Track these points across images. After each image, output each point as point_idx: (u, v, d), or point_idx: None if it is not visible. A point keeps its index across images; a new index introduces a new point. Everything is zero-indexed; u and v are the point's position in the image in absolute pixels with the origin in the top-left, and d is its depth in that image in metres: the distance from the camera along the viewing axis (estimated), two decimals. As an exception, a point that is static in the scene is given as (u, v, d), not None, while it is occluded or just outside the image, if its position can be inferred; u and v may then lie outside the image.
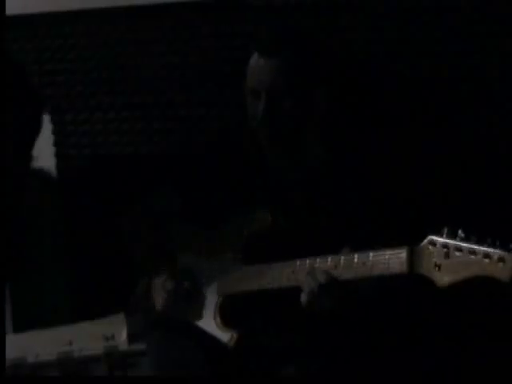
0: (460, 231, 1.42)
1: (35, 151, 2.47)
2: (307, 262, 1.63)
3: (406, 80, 2.19)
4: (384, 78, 2.19)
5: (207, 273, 1.85)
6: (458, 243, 1.40)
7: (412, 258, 1.45)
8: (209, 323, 1.79)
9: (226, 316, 1.79)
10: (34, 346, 1.79)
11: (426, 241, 1.45)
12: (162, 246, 2.02)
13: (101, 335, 1.87)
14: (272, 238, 1.77)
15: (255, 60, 1.82)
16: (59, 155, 2.50)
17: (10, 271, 2.14)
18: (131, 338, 1.85)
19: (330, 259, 1.59)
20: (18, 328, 2.05)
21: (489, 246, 1.37)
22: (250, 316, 1.80)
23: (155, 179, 2.34)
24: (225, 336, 1.75)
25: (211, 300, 1.82)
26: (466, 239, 1.40)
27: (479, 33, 2.14)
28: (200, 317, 1.83)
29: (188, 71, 2.37)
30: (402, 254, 1.47)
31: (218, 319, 1.78)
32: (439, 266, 1.41)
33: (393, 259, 1.49)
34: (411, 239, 1.52)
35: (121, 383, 1.70)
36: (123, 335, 1.86)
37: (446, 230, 1.43)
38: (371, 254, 1.53)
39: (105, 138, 2.46)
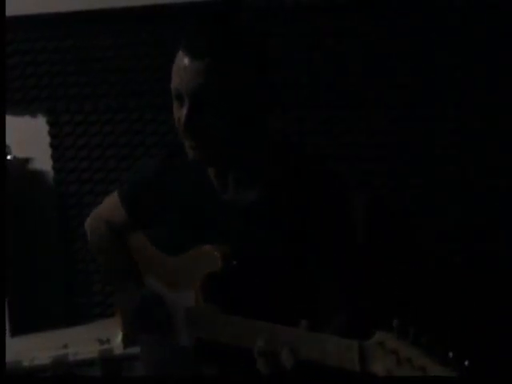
0: (411, 328, 1.29)
1: (31, 153, 2.49)
2: (267, 326, 1.51)
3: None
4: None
5: (170, 302, 1.74)
6: (408, 351, 1.29)
7: (363, 357, 1.35)
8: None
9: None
10: (29, 349, 1.81)
11: (375, 339, 1.34)
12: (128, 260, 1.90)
13: (96, 339, 1.89)
14: (227, 276, 1.62)
15: (180, 59, 1.49)
16: (55, 157, 2.50)
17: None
18: (126, 342, 1.86)
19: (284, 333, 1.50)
20: (14, 331, 2.07)
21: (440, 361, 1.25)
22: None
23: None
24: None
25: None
26: (416, 340, 1.28)
27: (478, 33, 2.14)
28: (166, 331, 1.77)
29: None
30: (353, 352, 1.36)
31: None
32: (389, 370, 1.32)
33: (344, 357, 1.38)
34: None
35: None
36: (118, 339, 1.87)
37: (396, 324, 1.30)
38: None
39: (101, 140, 2.46)
